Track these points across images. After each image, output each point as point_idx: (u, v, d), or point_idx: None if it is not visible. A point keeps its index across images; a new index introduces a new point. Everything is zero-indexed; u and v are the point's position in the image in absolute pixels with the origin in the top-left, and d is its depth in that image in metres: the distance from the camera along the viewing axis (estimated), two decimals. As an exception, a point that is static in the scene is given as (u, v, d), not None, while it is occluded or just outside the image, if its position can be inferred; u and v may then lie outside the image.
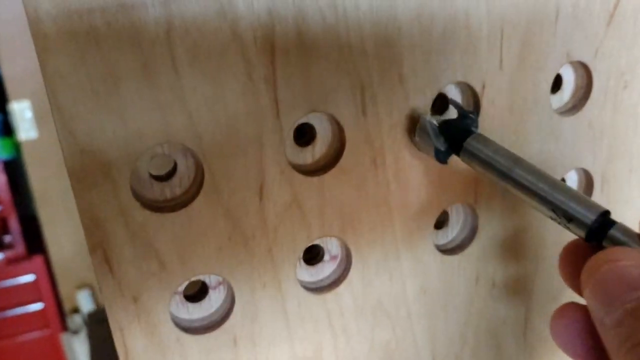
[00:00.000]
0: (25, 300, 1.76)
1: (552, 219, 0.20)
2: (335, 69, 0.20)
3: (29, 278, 1.75)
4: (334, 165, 0.22)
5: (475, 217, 0.25)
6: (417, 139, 0.22)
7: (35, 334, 1.78)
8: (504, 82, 0.23)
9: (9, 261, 1.74)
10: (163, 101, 0.18)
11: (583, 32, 0.25)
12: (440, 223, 0.25)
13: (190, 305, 0.22)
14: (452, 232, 0.26)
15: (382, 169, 0.22)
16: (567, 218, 0.19)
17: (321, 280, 0.24)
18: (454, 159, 0.22)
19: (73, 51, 0.17)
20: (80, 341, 1.58)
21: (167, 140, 0.19)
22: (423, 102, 0.22)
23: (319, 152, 0.22)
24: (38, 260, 1.73)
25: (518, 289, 0.27)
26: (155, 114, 0.18)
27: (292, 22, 0.19)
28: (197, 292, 0.22)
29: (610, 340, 0.17)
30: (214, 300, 0.22)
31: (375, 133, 0.22)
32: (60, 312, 1.73)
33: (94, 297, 1.61)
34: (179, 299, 0.21)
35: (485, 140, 0.21)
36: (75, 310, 1.66)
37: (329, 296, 0.23)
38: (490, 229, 0.25)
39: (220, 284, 0.22)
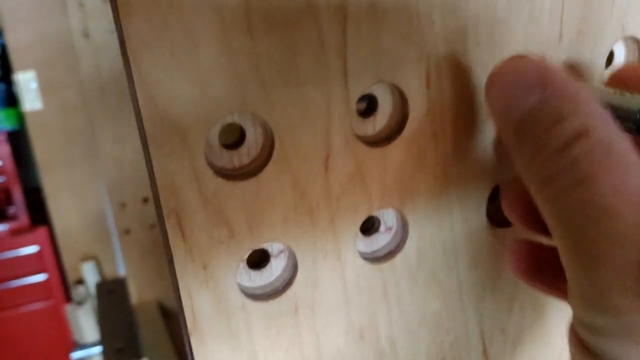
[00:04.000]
0: (29, 271, 1.77)
1: None
2: (403, 40, 0.20)
3: (32, 249, 1.76)
4: (395, 137, 0.22)
5: (527, 190, 0.25)
6: None
7: (38, 305, 1.79)
8: (562, 55, 0.23)
9: (13, 232, 1.74)
10: (239, 69, 0.19)
11: (637, 7, 0.25)
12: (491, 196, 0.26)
13: (252, 273, 0.22)
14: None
15: (442, 142, 0.22)
16: None
17: (376, 251, 0.24)
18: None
19: (155, 16, 0.17)
20: (85, 312, 1.59)
21: (241, 108, 0.19)
22: (485, 75, 0.22)
23: (379, 124, 0.22)
24: (42, 231, 1.74)
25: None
26: (232, 82, 0.19)
27: (366, -9, 0.19)
28: (258, 260, 0.22)
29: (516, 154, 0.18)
30: (275, 268, 0.22)
31: (438, 105, 0.22)
32: (64, 284, 1.74)
33: (99, 268, 1.62)
34: (242, 266, 0.22)
35: None
36: (80, 281, 1.67)
37: (385, 266, 0.23)
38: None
39: (281, 252, 0.22)
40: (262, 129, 0.20)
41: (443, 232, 0.24)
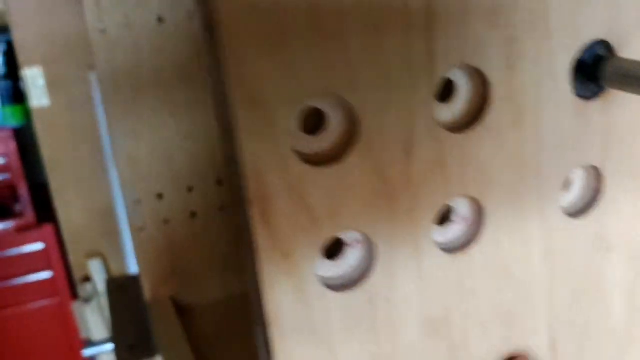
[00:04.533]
0: (35, 269, 1.76)
1: None
2: (488, 22, 0.20)
3: (38, 246, 1.75)
4: (476, 123, 0.21)
5: (599, 179, 0.25)
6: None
7: (44, 302, 1.79)
8: (641, 40, 0.23)
9: (19, 229, 1.73)
10: (327, 48, 0.18)
11: None
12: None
13: (328, 263, 0.22)
14: (574, 195, 0.25)
15: (522, 128, 0.22)
16: None
17: (451, 241, 0.23)
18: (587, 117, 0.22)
19: (252, 1, 0.16)
20: (92, 309, 1.59)
21: (329, 93, 0.18)
22: (566, 59, 0.22)
23: (457, 109, 0.22)
24: (48, 228, 1.73)
25: (633, 255, 0.27)
26: (322, 66, 0.18)
27: (456, -29, 0.19)
28: (332, 250, 0.22)
29: None
30: (350, 258, 0.22)
31: (519, 89, 0.21)
32: (70, 281, 1.73)
33: (106, 265, 1.61)
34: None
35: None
36: (86, 278, 1.66)
37: (461, 257, 0.23)
38: (614, 192, 0.25)
39: (357, 242, 0.22)
40: (344, 113, 0.20)
41: (519, 223, 0.23)
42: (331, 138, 0.20)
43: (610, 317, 0.27)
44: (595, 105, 0.23)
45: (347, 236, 0.21)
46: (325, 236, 0.20)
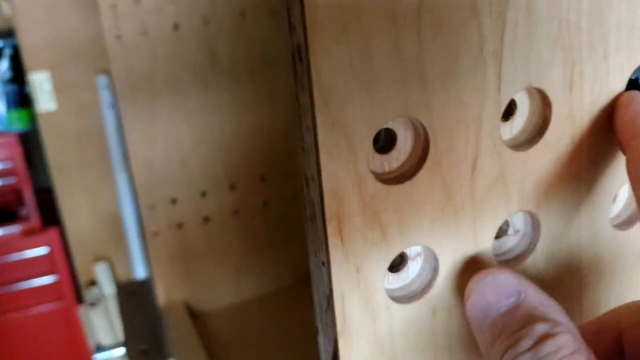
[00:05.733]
0: (40, 273, 1.77)
1: None
2: (552, 44, 0.21)
3: (43, 250, 1.75)
4: (537, 140, 0.22)
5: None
6: None
7: (49, 306, 1.79)
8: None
9: (24, 233, 1.74)
10: (406, 74, 0.19)
11: None
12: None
13: (390, 275, 0.22)
14: (618, 207, 0.26)
15: (579, 145, 0.23)
16: None
17: (504, 253, 0.24)
18: None
19: (338, 23, 0.17)
20: (98, 313, 1.59)
21: (404, 113, 0.19)
22: (621, 79, 0.22)
23: (517, 127, 0.22)
24: (53, 232, 1.73)
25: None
26: (398, 88, 0.19)
27: (525, -3, 0.20)
28: (394, 262, 0.23)
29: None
30: (411, 271, 0.23)
31: (578, 108, 0.22)
32: (76, 285, 1.74)
33: (112, 270, 1.61)
34: (383, 269, 0.22)
35: None
36: (92, 283, 1.66)
37: (516, 269, 0.24)
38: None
39: (418, 255, 0.22)
40: (413, 133, 0.20)
41: (571, 235, 0.24)
42: (402, 157, 0.21)
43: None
44: (646, 122, 0.24)
45: (410, 250, 0.22)
46: (395, 251, 0.21)
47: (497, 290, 0.21)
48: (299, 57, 0.18)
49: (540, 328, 0.19)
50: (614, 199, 0.26)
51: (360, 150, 0.19)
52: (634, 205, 0.26)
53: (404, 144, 0.21)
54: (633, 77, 0.23)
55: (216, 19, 0.65)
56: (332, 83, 0.18)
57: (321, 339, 0.23)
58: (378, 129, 0.19)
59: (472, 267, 0.23)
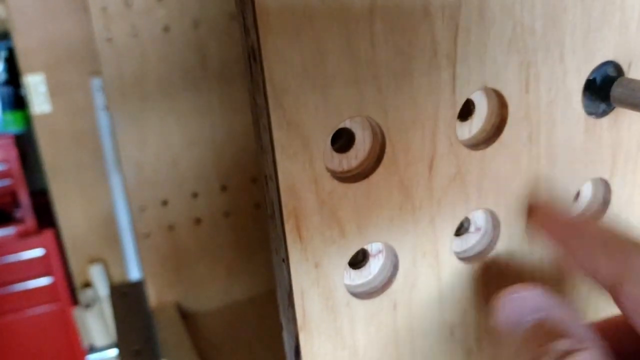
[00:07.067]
0: (35, 274, 1.77)
1: None
2: (507, 47, 0.21)
3: (38, 252, 1.76)
4: (493, 140, 0.23)
5: (607, 191, 0.26)
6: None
7: (44, 308, 1.79)
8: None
9: (19, 235, 1.74)
10: (360, 76, 0.19)
11: None
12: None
13: (352, 272, 0.23)
14: (581, 206, 0.27)
15: (536, 145, 0.23)
16: None
17: (466, 251, 0.25)
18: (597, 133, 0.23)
19: (290, 27, 0.18)
20: (93, 315, 1.59)
21: (358, 114, 0.20)
22: (578, 81, 0.23)
23: (475, 127, 0.23)
24: (48, 234, 1.73)
25: None
26: (352, 89, 0.19)
27: (477, 1, 0.20)
28: (356, 260, 0.23)
29: None
30: (373, 268, 0.23)
31: (534, 109, 0.23)
32: (71, 287, 1.74)
33: (107, 272, 1.62)
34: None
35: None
36: (87, 284, 1.67)
37: (477, 266, 0.24)
38: (620, 203, 0.26)
39: (379, 252, 0.23)
40: (371, 133, 0.21)
41: (531, 232, 0.25)
42: (361, 156, 0.21)
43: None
44: (604, 122, 0.24)
45: (370, 247, 0.23)
46: (354, 248, 0.22)
47: (524, 305, 0.21)
48: (253, 59, 0.18)
49: (562, 345, 0.19)
50: (576, 198, 0.27)
51: (315, 149, 0.20)
52: (597, 202, 0.27)
53: (362, 144, 0.21)
54: (591, 78, 0.23)
55: (206, 22, 0.66)
56: (286, 84, 0.18)
57: (285, 334, 0.23)
58: (333, 128, 0.20)
59: (431, 263, 0.23)
